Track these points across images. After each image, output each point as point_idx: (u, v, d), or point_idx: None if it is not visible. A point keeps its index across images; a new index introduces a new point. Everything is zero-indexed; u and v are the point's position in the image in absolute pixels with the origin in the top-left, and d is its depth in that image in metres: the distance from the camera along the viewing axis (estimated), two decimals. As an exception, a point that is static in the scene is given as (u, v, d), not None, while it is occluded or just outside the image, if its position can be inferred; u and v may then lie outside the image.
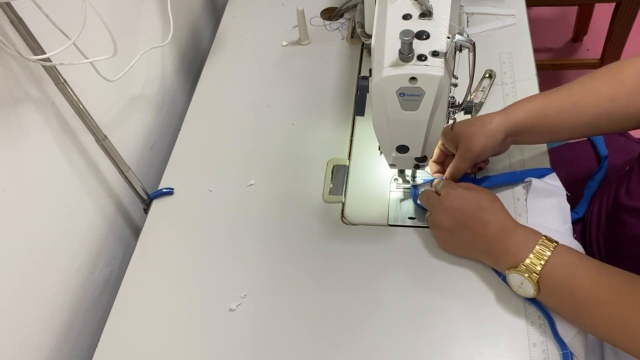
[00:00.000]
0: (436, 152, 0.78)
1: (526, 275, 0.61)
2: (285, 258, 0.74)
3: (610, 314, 0.57)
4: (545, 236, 0.63)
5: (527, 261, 0.61)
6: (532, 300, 0.65)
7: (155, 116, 0.96)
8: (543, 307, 0.65)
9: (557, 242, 0.62)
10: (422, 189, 0.77)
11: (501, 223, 0.65)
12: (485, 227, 0.65)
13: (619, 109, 0.68)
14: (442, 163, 0.79)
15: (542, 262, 0.60)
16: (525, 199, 0.75)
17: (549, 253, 0.61)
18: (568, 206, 0.73)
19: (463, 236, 0.67)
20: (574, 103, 0.70)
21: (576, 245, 0.68)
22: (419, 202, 0.76)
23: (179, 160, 0.87)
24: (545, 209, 0.73)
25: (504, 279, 0.67)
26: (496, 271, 0.68)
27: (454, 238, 0.68)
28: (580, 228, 0.84)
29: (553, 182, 0.75)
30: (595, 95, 0.69)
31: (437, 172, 0.79)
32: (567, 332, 0.62)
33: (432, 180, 0.76)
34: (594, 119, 0.69)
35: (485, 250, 0.66)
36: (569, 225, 0.72)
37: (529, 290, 0.62)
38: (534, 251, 0.61)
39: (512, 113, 0.71)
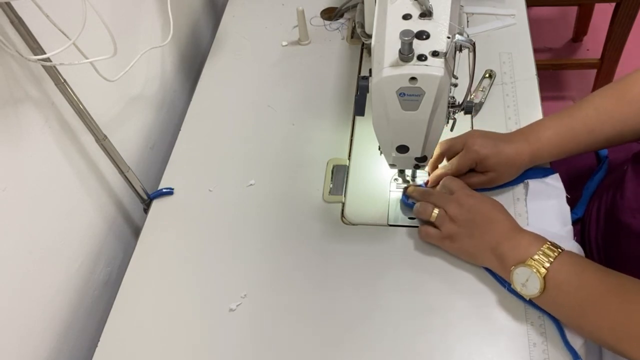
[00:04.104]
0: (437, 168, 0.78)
1: (534, 270, 0.61)
2: (285, 258, 0.74)
3: (617, 312, 0.57)
4: (550, 242, 0.64)
5: (536, 256, 0.62)
6: (535, 306, 0.65)
7: (155, 116, 0.96)
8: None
9: (561, 249, 0.63)
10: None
11: (511, 224, 0.67)
12: (496, 225, 0.67)
13: (629, 127, 0.71)
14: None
15: (551, 259, 0.61)
16: (525, 200, 0.75)
17: (556, 254, 0.62)
18: (568, 208, 0.73)
19: (473, 231, 0.67)
20: (589, 131, 0.72)
21: (577, 248, 0.69)
22: (409, 201, 0.76)
23: (179, 160, 0.87)
24: (545, 212, 0.73)
25: (503, 282, 0.66)
26: (495, 276, 0.68)
27: (463, 233, 0.68)
28: (580, 228, 0.84)
29: (554, 183, 0.75)
30: (609, 120, 0.72)
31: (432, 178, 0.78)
32: (576, 340, 0.62)
33: None
34: (607, 141, 0.73)
35: (493, 247, 0.66)
36: (570, 227, 0.72)
37: (534, 288, 0.62)
38: (543, 248, 0.63)
39: (538, 152, 0.73)
